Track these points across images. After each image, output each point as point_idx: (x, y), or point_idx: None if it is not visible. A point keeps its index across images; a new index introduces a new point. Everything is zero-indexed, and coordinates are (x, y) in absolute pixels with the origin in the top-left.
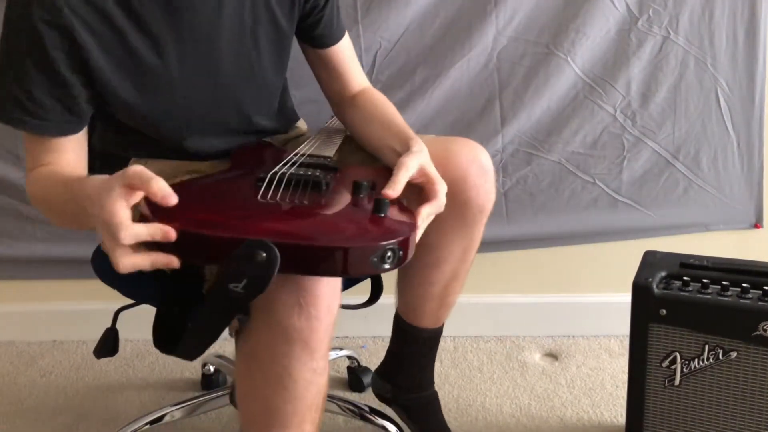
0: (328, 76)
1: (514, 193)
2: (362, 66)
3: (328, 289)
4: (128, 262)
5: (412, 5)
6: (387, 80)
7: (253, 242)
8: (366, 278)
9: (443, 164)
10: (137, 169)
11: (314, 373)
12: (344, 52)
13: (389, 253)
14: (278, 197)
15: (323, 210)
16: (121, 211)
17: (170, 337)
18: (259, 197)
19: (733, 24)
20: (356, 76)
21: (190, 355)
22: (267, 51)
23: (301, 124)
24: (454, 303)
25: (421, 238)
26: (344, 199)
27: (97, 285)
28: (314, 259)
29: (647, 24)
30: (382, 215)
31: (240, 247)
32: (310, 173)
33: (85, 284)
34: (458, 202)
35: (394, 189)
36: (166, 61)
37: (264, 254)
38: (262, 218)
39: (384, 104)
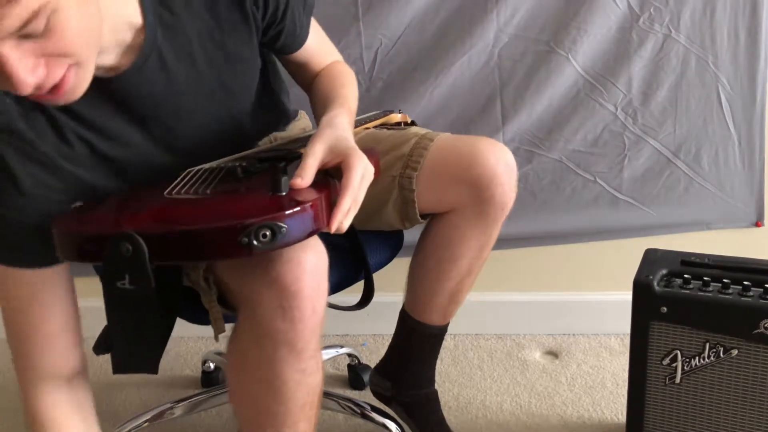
0: (295, 69)
1: None
2: (363, 64)
3: (312, 290)
4: None
5: (413, 3)
6: (388, 78)
7: (115, 236)
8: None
9: (470, 162)
10: None
11: (303, 374)
12: (311, 47)
13: (265, 231)
14: (189, 190)
15: (223, 196)
16: None
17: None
18: (165, 193)
19: (735, 22)
20: (325, 61)
21: (136, 365)
22: (239, 90)
23: (303, 122)
24: (463, 301)
25: (439, 233)
26: (262, 184)
27: (97, 282)
28: (186, 244)
29: (648, 22)
30: (282, 194)
31: (105, 244)
32: (236, 165)
33: (85, 281)
34: (483, 198)
35: (303, 177)
36: (133, 145)
37: (129, 246)
38: (146, 211)
39: (331, 77)
